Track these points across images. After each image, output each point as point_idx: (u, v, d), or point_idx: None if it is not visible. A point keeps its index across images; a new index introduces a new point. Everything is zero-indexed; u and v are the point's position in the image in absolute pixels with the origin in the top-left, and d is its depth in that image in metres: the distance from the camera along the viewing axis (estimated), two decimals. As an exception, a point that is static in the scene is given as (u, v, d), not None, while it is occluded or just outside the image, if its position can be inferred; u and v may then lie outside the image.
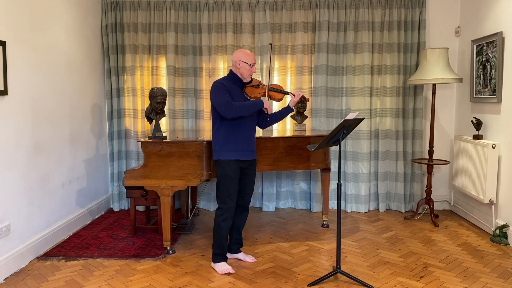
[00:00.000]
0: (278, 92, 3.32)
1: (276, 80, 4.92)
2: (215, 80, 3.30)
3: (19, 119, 3.29)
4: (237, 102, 3.08)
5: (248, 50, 3.22)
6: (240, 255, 3.43)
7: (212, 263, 3.27)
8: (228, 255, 3.42)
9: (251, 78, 3.25)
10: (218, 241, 3.22)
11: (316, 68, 4.78)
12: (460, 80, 4.27)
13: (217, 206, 3.22)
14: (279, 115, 3.37)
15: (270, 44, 3.41)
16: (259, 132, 4.18)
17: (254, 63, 3.19)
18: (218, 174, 3.21)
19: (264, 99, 3.19)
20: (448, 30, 4.83)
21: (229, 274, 3.15)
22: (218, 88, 3.12)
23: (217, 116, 3.15)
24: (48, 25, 3.73)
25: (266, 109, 3.20)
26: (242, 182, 3.29)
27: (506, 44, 3.81)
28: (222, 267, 3.19)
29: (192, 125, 4.94)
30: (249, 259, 3.41)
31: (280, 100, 3.32)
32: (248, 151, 3.20)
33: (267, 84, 3.26)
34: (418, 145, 4.82)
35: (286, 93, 3.31)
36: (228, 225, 3.21)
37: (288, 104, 3.33)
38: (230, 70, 3.24)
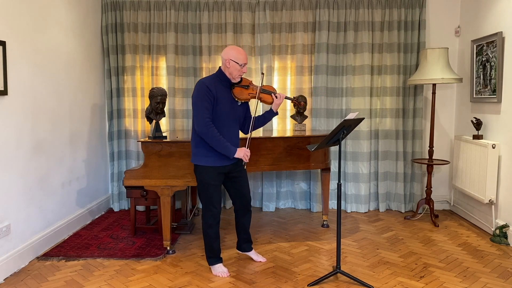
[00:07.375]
0: (269, 94, 3.11)
1: (276, 80, 4.91)
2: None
3: (19, 119, 3.29)
4: (215, 131, 2.88)
5: (241, 48, 3.00)
6: (252, 254, 3.42)
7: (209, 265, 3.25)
8: (240, 252, 3.47)
9: (241, 78, 3.06)
10: (209, 245, 3.16)
11: (316, 68, 4.78)
12: (460, 80, 4.27)
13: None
14: (262, 119, 3.18)
15: (262, 73, 3.21)
16: (259, 132, 4.17)
17: (246, 63, 2.97)
18: (197, 179, 3.08)
19: (240, 149, 2.97)
20: (448, 30, 4.83)
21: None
22: (201, 93, 2.89)
23: None
24: (48, 25, 3.73)
25: (244, 158, 2.98)
26: (234, 187, 3.20)
27: (506, 44, 3.81)
28: (217, 269, 3.15)
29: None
30: (260, 258, 3.40)
31: (271, 103, 3.12)
32: (225, 157, 3.01)
33: (259, 86, 3.05)
34: (418, 145, 4.81)
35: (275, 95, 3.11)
36: (215, 231, 3.12)
37: (271, 108, 3.14)
38: (219, 67, 3.03)
